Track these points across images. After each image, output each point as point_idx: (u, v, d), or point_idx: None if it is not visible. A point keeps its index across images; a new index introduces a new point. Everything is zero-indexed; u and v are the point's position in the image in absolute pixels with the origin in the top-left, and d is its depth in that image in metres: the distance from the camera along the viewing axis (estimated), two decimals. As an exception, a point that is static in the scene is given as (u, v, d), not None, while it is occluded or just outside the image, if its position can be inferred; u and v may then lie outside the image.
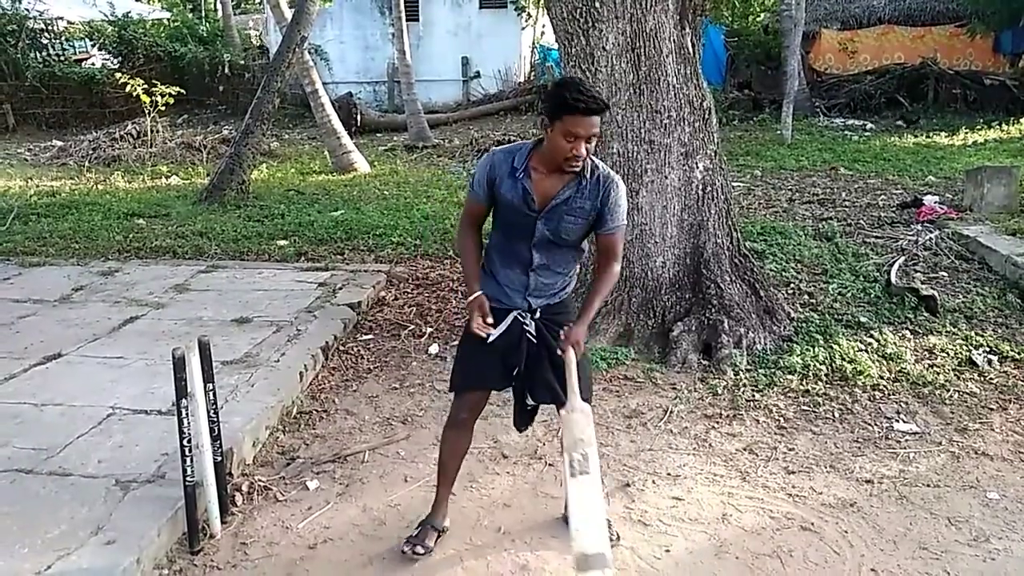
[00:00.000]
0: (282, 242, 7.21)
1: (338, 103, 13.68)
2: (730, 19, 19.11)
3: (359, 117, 15.63)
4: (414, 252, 6.78)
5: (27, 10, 17.75)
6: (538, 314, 2.75)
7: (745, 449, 3.62)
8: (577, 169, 2.55)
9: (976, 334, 4.64)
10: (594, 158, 2.63)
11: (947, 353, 4.44)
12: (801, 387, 4.15)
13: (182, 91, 13.49)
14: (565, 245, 2.71)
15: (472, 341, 2.75)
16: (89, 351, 4.62)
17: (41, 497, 3.07)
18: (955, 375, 4.24)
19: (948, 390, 4.08)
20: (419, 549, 2.83)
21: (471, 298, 2.70)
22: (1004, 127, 13.03)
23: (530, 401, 2.87)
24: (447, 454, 2.95)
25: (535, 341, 2.75)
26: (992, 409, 3.92)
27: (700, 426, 3.84)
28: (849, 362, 4.31)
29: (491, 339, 2.70)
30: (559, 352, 2.62)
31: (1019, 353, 4.41)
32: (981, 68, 16.50)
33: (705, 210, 4.72)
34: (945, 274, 5.61)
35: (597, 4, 4.42)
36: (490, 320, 2.65)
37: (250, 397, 3.95)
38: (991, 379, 4.19)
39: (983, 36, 16.49)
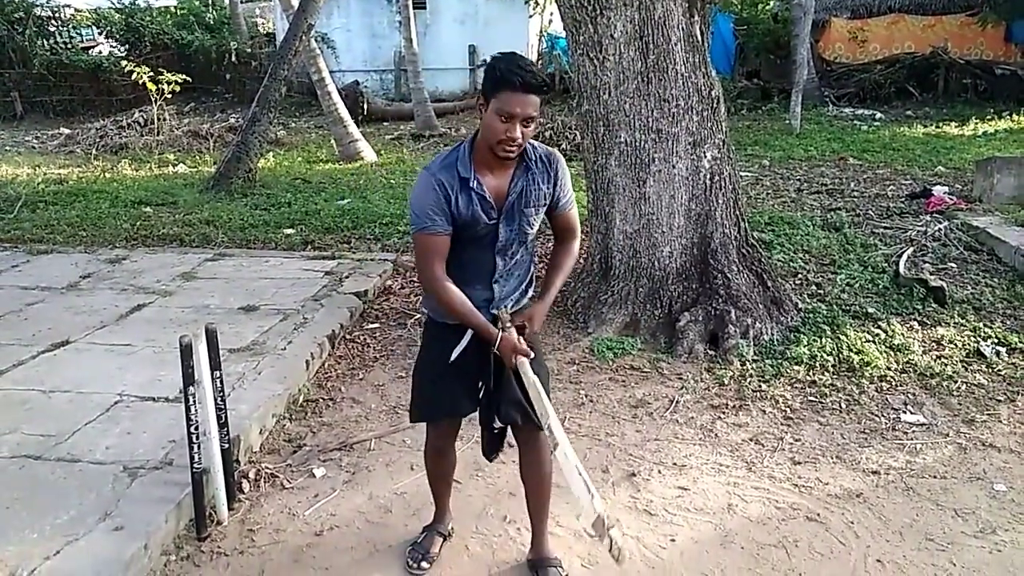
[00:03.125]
0: (289, 231, 7.22)
1: (345, 91, 13.67)
2: (739, 7, 18.96)
3: (366, 106, 15.62)
4: (421, 241, 6.76)
5: (34, -3, 17.80)
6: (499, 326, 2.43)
7: (751, 439, 3.62)
8: (512, 156, 2.26)
9: (984, 325, 4.61)
10: (532, 141, 2.36)
11: (955, 344, 4.42)
12: (808, 378, 4.14)
13: (189, 79, 13.52)
14: (526, 242, 2.48)
15: (433, 366, 2.55)
16: (97, 338, 4.63)
17: (49, 483, 3.09)
18: (963, 366, 4.22)
19: (956, 381, 4.06)
20: (424, 564, 2.75)
21: (499, 339, 2.33)
22: (1015, 117, 12.93)
23: (497, 424, 2.58)
24: (435, 477, 2.82)
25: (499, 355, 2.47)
26: (1000, 401, 3.90)
27: (706, 416, 3.84)
28: (856, 353, 4.29)
29: (453, 359, 2.47)
30: (511, 327, 2.33)
31: (1028, 345, 4.38)
32: (992, 58, 16.37)
33: (713, 200, 4.70)
34: (954, 265, 5.58)
35: (605, -8, 4.39)
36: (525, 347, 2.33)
37: (257, 385, 3.97)
38: (999, 371, 4.17)
39: (994, 25, 16.33)
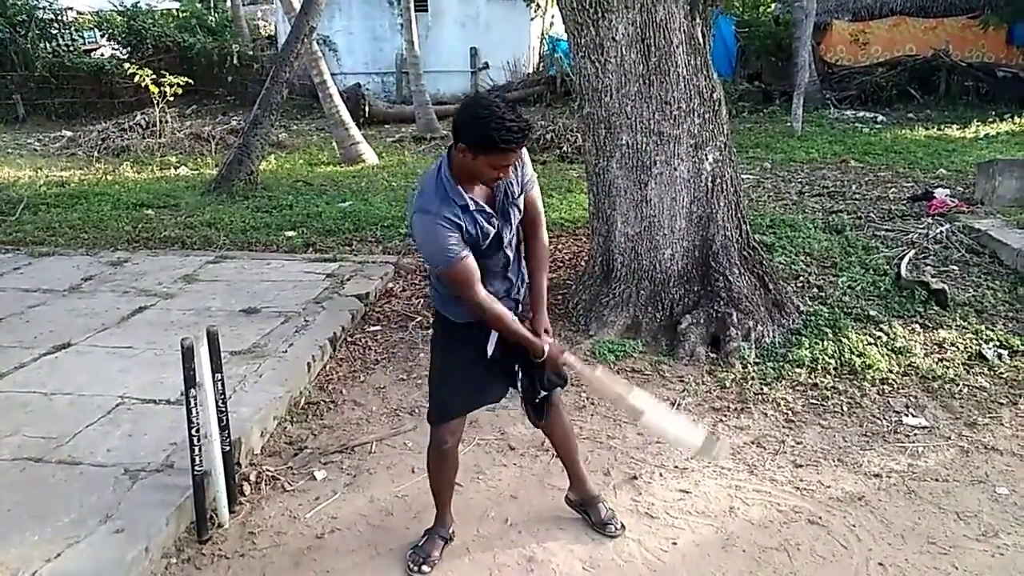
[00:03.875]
0: (290, 233, 7.22)
1: (346, 94, 13.66)
2: (741, 10, 18.99)
3: (367, 108, 15.62)
4: (422, 243, 6.77)
5: (37, 0, 17.79)
6: (520, 308, 2.70)
7: (753, 442, 3.61)
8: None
9: (986, 328, 4.60)
10: None
11: (957, 347, 4.41)
12: (809, 380, 4.14)
13: (191, 81, 13.52)
14: (516, 227, 2.64)
15: (460, 364, 2.67)
16: (98, 341, 4.64)
17: (51, 485, 3.10)
18: (965, 369, 4.21)
19: (958, 384, 4.06)
20: (425, 568, 2.77)
21: (547, 350, 2.57)
22: (1017, 119, 12.92)
23: (542, 394, 2.76)
24: (438, 482, 2.87)
25: None
26: (1002, 404, 3.89)
27: (708, 419, 3.83)
28: (858, 355, 4.29)
29: (491, 354, 2.62)
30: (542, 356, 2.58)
31: (1030, 347, 4.37)
32: (994, 60, 16.35)
33: (714, 202, 4.69)
34: (956, 268, 5.57)
35: (607, -6, 4.39)
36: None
37: (258, 387, 3.97)
38: (1001, 373, 4.16)
39: (996, 28, 16.31)
